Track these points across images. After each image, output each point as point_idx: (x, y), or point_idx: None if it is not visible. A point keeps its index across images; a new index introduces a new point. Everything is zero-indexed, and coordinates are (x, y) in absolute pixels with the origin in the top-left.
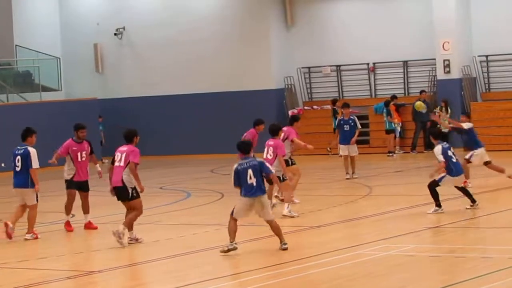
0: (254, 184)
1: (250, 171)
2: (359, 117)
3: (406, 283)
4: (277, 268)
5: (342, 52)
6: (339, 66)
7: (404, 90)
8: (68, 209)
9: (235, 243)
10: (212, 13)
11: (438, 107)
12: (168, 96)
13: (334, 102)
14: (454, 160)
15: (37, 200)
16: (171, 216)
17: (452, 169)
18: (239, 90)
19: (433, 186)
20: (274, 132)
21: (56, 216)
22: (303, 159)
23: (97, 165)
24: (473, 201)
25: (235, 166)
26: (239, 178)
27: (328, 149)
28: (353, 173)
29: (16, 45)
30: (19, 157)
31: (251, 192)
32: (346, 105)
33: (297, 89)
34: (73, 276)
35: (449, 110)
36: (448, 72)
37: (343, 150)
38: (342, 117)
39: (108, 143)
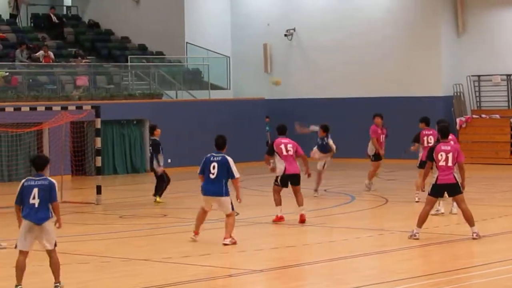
0: (36, 205)
1: (35, 190)
2: None
3: None
4: (439, 276)
5: None
6: (510, 75)
7: None
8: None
9: (57, 284)
10: (382, 17)
11: None
12: (335, 99)
13: None
14: None
15: (232, 208)
16: (334, 219)
17: None
18: (406, 95)
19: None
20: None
21: (222, 213)
22: (468, 167)
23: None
24: None
25: (23, 181)
26: (22, 196)
27: None
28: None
29: (187, 43)
30: (215, 164)
31: (31, 215)
32: (323, 127)
33: (466, 97)
34: (235, 274)
35: None
36: None
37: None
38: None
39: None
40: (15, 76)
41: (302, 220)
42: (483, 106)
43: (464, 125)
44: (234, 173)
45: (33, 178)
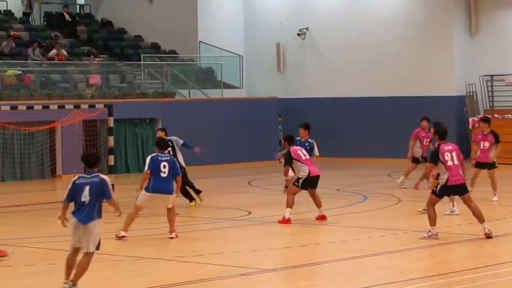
0: (86, 203)
1: (87, 188)
2: None
3: None
4: (451, 276)
5: None
6: None
7: None
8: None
9: (71, 283)
10: (395, 17)
11: None
12: (348, 98)
13: None
14: None
15: None
16: (347, 218)
17: None
18: (418, 95)
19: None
20: None
21: (234, 212)
22: None
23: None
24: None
25: (74, 178)
26: (74, 193)
27: None
28: None
29: (200, 42)
30: (165, 163)
31: (80, 213)
32: (304, 126)
33: (478, 97)
34: (246, 274)
35: None
36: None
37: None
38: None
39: None
40: (28, 74)
41: (323, 218)
42: (495, 106)
43: (476, 125)
44: (179, 170)
45: (85, 176)
